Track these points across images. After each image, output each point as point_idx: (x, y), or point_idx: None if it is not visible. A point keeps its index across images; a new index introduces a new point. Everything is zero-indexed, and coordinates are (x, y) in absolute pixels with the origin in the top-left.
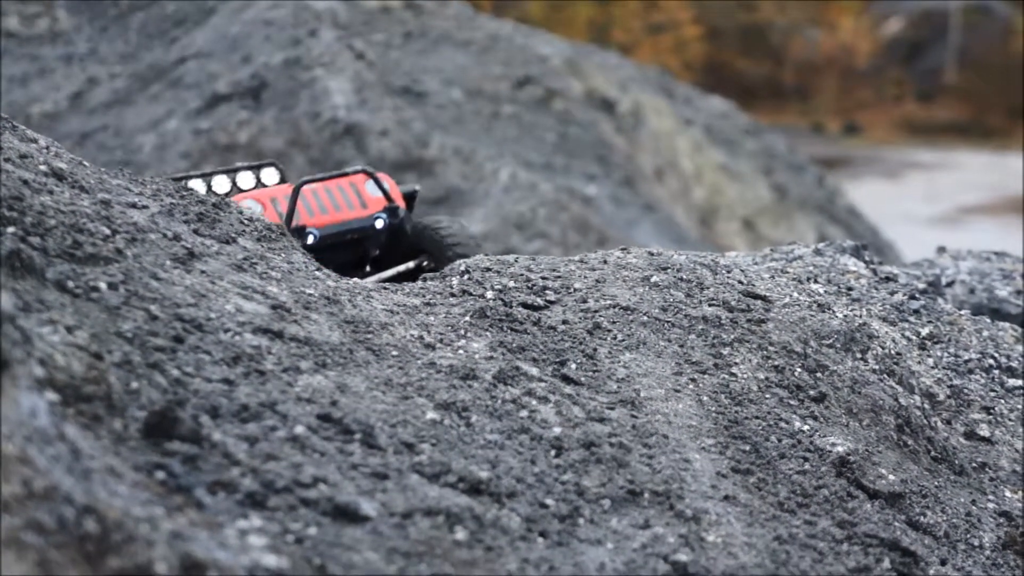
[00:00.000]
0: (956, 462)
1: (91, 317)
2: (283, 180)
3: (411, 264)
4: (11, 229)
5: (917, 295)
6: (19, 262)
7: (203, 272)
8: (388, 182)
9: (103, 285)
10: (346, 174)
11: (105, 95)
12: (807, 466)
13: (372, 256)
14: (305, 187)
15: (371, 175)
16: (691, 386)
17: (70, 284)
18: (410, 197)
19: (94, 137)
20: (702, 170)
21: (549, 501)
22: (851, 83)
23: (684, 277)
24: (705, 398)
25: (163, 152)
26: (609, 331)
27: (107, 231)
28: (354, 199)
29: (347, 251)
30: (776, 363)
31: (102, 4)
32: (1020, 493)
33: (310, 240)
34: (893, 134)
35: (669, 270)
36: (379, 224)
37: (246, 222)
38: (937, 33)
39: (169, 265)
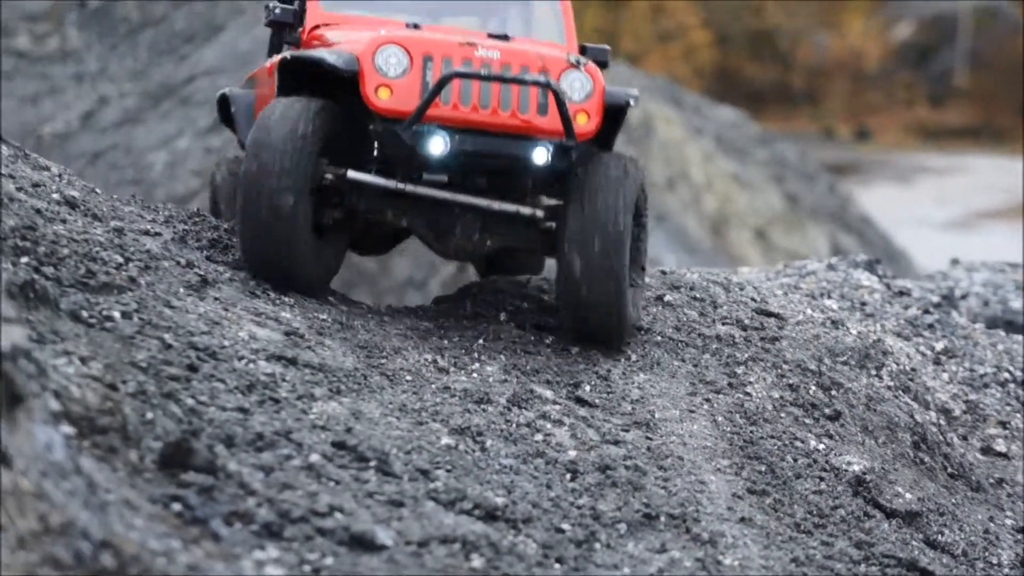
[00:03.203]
0: (973, 478)
1: (105, 347)
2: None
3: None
4: (25, 259)
5: (931, 309)
6: (33, 292)
7: (216, 299)
8: (593, 81)
9: (117, 314)
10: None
11: (116, 114)
12: (823, 486)
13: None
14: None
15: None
16: (706, 406)
17: (84, 314)
18: (617, 110)
19: (105, 156)
20: (713, 179)
21: (565, 526)
22: (861, 87)
23: (697, 295)
24: (720, 418)
25: (174, 170)
26: (623, 351)
27: (120, 259)
28: (530, 99)
29: (471, 182)
30: (791, 381)
31: (112, 22)
32: None
33: (433, 148)
34: (904, 138)
35: (682, 288)
36: (538, 156)
37: None
38: (947, 36)
39: (183, 292)
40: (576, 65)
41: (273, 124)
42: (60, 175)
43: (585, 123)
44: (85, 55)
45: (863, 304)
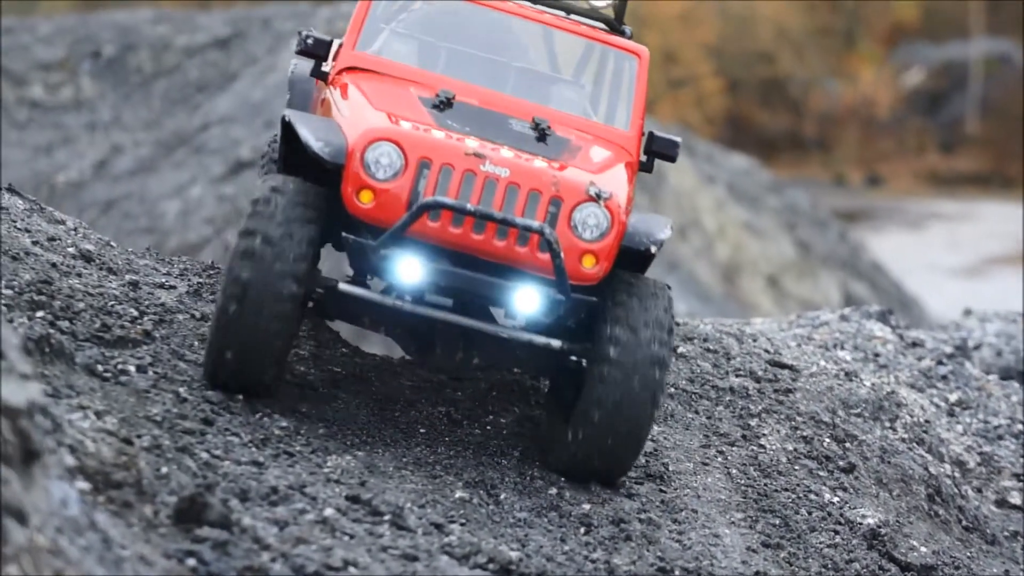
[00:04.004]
0: (988, 531)
1: (120, 401)
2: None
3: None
4: (40, 313)
5: (944, 360)
6: (49, 347)
7: None
8: (611, 219)
9: (132, 368)
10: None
11: (129, 162)
12: (838, 539)
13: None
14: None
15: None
16: (719, 458)
17: (99, 368)
18: (638, 256)
19: (118, 205)
20: (725, 227)
21: None
22: (872, 134)
23: (711, 347)
24: (734, 471)
25: (187, 218)
26: None
27: (135, 313)
28: (542, 191)
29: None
30: (804, 433)
31: (125, 72)
32: None
33: (405, 275)
34: (915, 185)
35: (695, 340)
36: (524, 302)
37: None
38: (957, 83)
39: (197, 346)
40: (596, 198)
41: (271, 233)
42: (75, 228)
43: (591, 267)
44: (99, 104)
45: (876, 355)
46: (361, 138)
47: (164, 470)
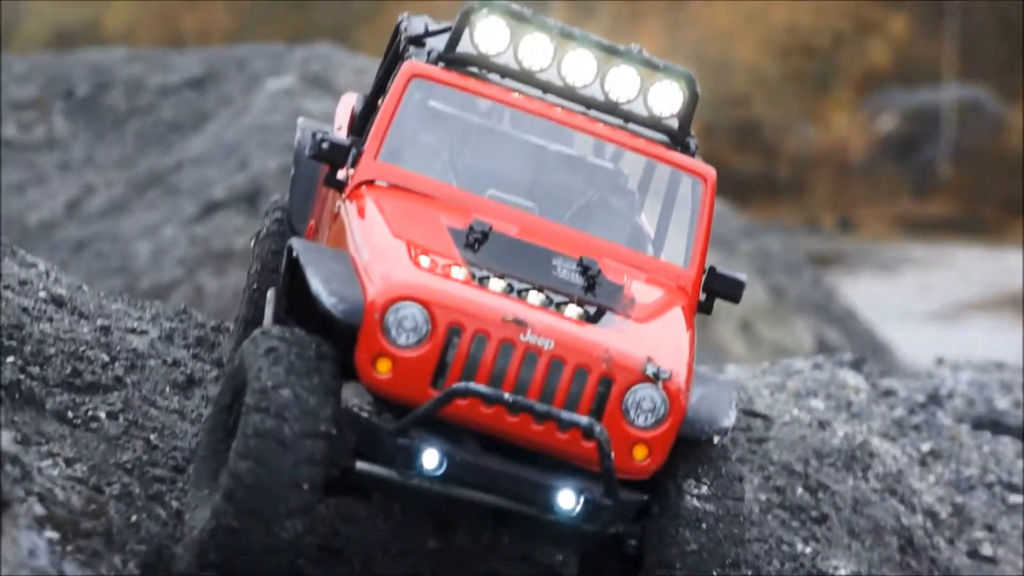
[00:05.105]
0: None
1: (91, 448)
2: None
3: None
4: (11, 359)
5: (917, 409)
6: (19, 393)
7: (203, 398)
8: (670, 405)
9: (103, 415)
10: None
11: (101, 202)
12: None
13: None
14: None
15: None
16: None
17: (70, 414)
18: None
19: (91, 245)
20: None
21: None
22: (846, 179)
23: None
24: None
25: (159, 259)
26: None
27: (107, 358)
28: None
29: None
30: (777, 483)
31: (99, 111)
32: None
33: (426, 462)
34: (888, 230)
35: None
36: (564, 502)
37: None
38: (930, 129)
39: (169, 392)
40: (654, 379)
41: (288, 415)
42: (47, 272)
43: (643, 459)
44: (71, 143)
45: (849, 404)
46: (381, 294)
47: (134, 518)
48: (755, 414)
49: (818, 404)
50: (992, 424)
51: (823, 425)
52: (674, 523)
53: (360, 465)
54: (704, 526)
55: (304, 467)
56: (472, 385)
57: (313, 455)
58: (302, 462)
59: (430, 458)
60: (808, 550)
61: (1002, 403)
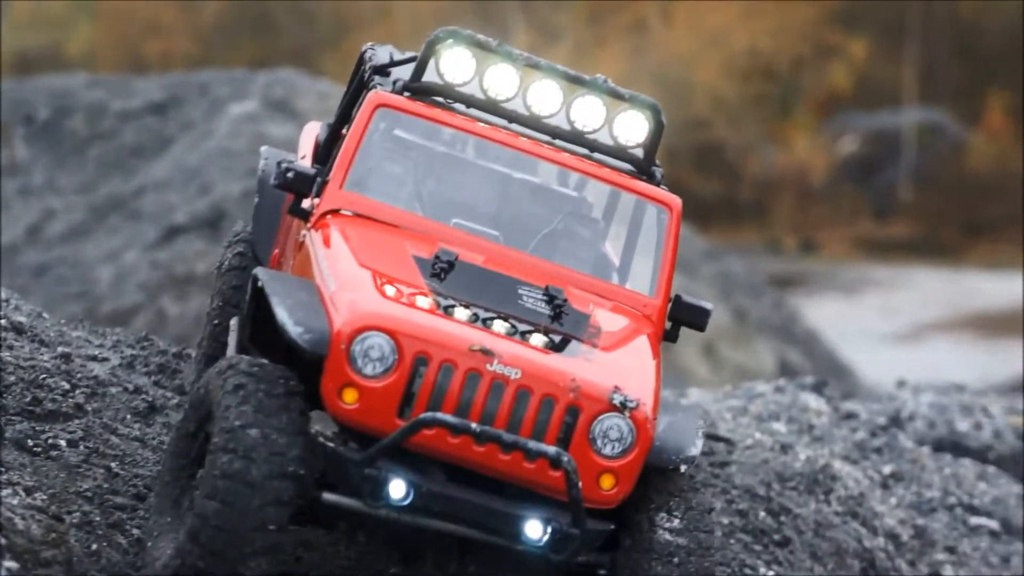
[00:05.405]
0: None
1: (51, 477)
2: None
3: None
4: None
5: (878, 432)
6: None
7: (165, 425)
8: (636, 434)
9: (63, 443)
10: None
11: (62, 227)
12: None
13: None
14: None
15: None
16: None
17: (29, 443)
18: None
19: (51, 270)
20: None
21: None
22: (807, 201)
23: None
24: None
25: (120, 284)
26: None
27: (67, 386)
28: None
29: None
30: (740, 507)
31: (59, 136)
32: None
33: (393, 492)
34: (850, 251)
35: None
36: (531, 532)
37: None
38: (891, 151)
39: (130, 419)
40: (620, 408)
41: (255, 456)
42: (7, 300)
43: (610, 488)
44: (32, 168)
45: (811, 427)
46: (348, 324)
47: (94, 547)
48: (718, 438)
49: (780, 427)
50: (953, 446)
51: (785, 448)
52: (646, 557)
53: (327, 496)
54: (675, 560)
55: (271, 509)
56: (439, 415)
57: (280, 497)
58: (269, 504)
59: (397, 488)
60: (771, 573)
61: (962, 425)
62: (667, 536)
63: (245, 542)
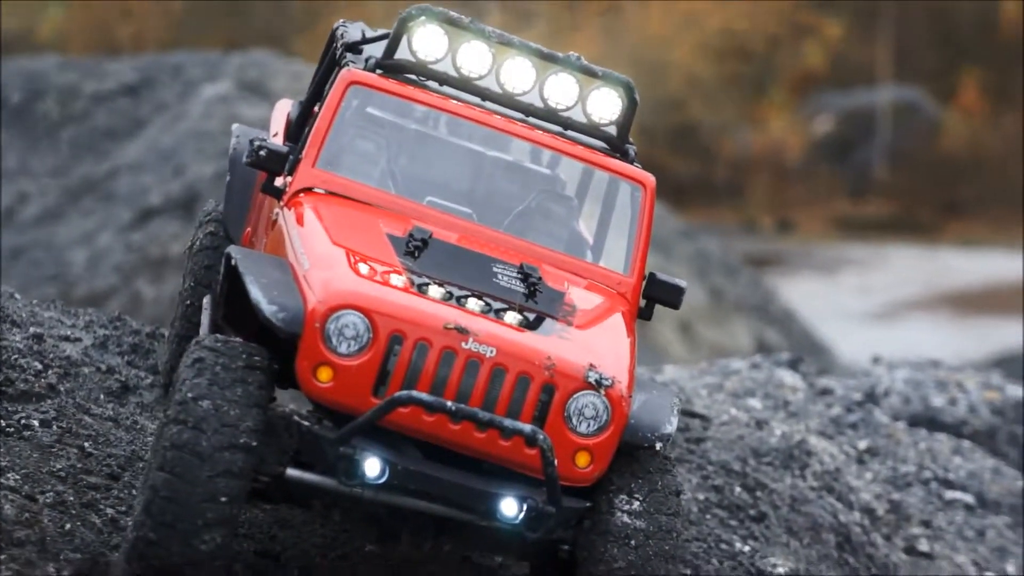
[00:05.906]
0: None
1: (24, 457)
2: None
3: None
4: None
5: (854, 407)
6: None
7: (138, 405)
8: (612, 411)
9: (36, 423)
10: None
11: (36, 210)
12: None
13: None
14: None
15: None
16: None
17: (2, 423)
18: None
19: (25, 253)
20: None
21: None
22: (783, 180)
23: None
24: None
25: (95, 267)
26: None
27: (39, 366)
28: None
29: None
30: (716, 483)
31: (32, 119)
32: None
33: (368, 470)
34: (826, 230)
35: None
36: (506, 509)
37: None
38: (866, 130)
39: (103, 399)
40: (596, 386)
41: (205, 427)
42: None
43: (585, 466)
44: (5, 152)
45: (787, 403)
46: (322, 303)
47: (68, 527)
48: (693, 414)
49: (756, 403)
50: (928, 421)
51: (761, 424)
52: (602, 539)
53: (291, 472)
54: (633, 543)
55: (222, 480)
56: (414, 393)
57: (231, 468)
58: (220, 475)
59: (372, 466)
60: (747, 548)
61: (937, 400)
62: (624, 519)
63: (196, 514)
